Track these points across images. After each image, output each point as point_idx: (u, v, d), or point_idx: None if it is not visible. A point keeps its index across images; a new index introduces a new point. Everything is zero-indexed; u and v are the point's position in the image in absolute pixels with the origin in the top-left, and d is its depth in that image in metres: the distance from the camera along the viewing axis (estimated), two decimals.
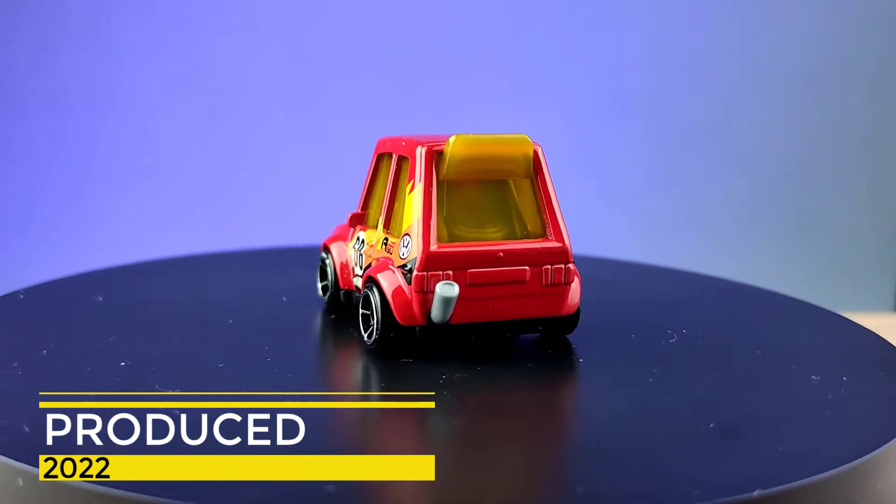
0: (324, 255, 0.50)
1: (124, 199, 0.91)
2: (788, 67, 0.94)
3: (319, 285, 0.51)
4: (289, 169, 0.92)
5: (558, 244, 0.43)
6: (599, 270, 0.60)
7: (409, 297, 0.41)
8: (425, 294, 0.41)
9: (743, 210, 0.96)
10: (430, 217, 0.41)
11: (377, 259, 0.44)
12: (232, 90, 0.91)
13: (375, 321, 0.42)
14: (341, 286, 0.49)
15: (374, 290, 0.42)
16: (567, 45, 0.94)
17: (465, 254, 0.41)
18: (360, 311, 0.44)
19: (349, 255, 0.48)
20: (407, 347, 0.42)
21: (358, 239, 0.47)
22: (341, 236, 0.50)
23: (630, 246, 0.88)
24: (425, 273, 0.41)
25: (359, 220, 0.48)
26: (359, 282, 0.47)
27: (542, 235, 0.43)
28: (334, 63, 0.91)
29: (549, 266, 0.42)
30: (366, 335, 0.43)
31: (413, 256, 0.41)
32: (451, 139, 0.42)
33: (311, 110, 0.92)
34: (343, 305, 0.49)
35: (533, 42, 0.94)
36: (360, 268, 0.46)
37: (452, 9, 0.93)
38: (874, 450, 0.33)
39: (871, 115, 0.96)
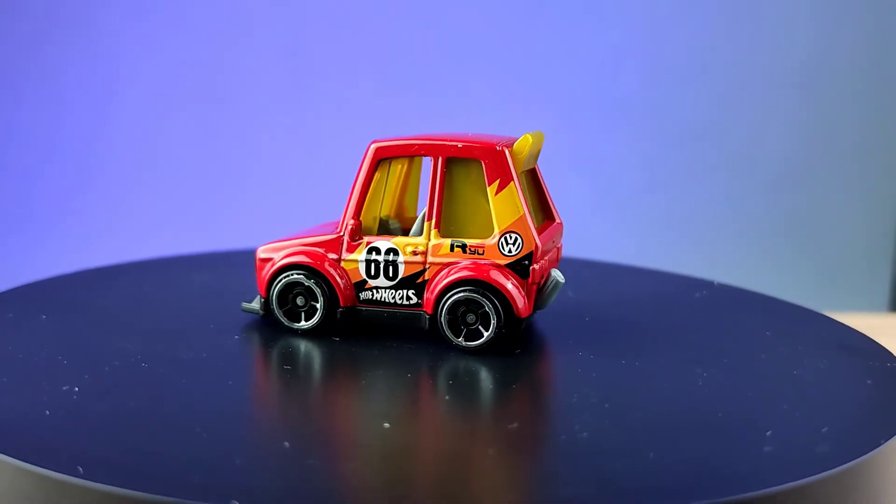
0: (300, 275, 0.45)
1: (121, 199, 0.91)
2: (780, 68, 0.93)
3: (280, 311, 0.45)
4: (286, 169, 0.92)
5: (561, 223, 0.49)
6: (589, 272, 0.59)
7: (526, 290, 0.43)
8: (537, 285, 0.44)
9: (734, 211, 0.95)
10: (528, 213, 0.44)
11: (443, 265, 0.44)
12: (229, 90, 0.91)
13: (495, 321, 0.43)
14: (342, 304, 0.45)
15: (486, 290, 0.43)
16: (558, 46, 0.91)
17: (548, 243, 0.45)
18: (445, 316, 0.43)
19: (352, 269, 0.45)
20: (513, 340, 0.44)
21: (375, 250, 0.45)
22: (307, 254, 0.45)
23: (619, 247, 0.85)
24: (538, 265, 0.44)
25: (359, 231, 0.45)
26: (385, 294, 0.45)
27: (548, 219, 0.49)
28: (329, 65, 0.91)
29: (559, 244, 0.49)
30: (459, 339, 0.43)
31: (527, 251, 0.43)
32: (527, 137, 0.44)
33: (307, 110, 0.91)
34: (342, 324, 0.45)
35: (524, 43, 0.91)
36: (388, 278, 0.44)
37: (445, 11, 0.91)
38: (868, 452, 0.33)
39: (862, 116, 0.95)
